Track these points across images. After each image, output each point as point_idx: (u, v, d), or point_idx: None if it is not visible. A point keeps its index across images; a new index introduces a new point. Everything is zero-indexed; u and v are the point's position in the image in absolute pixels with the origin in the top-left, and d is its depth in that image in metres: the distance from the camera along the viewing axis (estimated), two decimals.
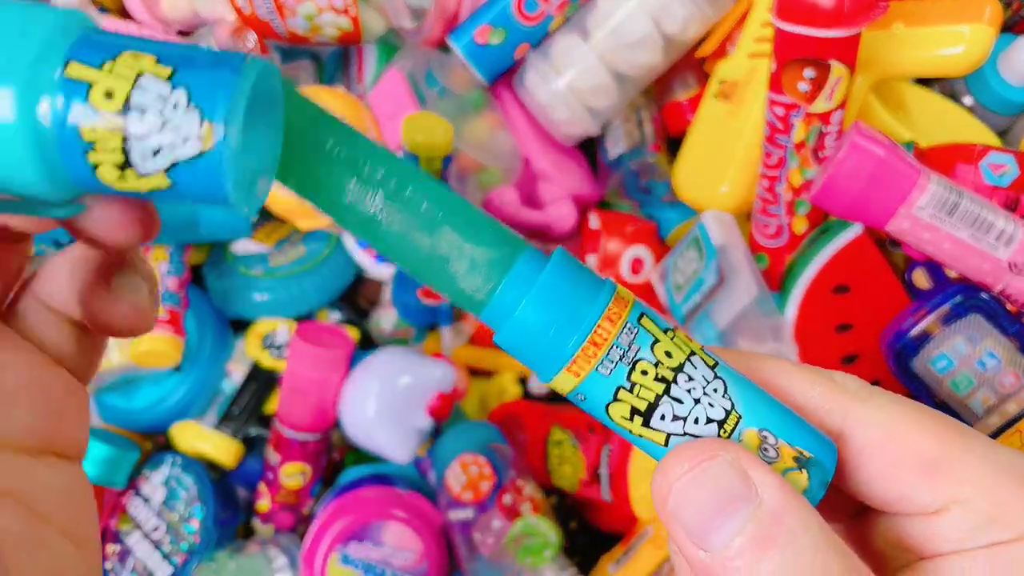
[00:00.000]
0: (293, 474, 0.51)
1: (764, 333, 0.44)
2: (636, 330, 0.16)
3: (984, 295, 0.43)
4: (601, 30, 0.51)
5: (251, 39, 0.52)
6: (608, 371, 0.16)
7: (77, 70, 0.14)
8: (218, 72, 0.14)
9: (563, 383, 0.17)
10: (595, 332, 0.16)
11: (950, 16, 0.46)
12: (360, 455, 0.58)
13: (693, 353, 0.17)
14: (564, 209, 0.53)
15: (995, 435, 0.43)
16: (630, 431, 0.17)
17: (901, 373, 0.44)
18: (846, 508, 0.20)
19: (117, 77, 0.14)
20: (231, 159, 0.14)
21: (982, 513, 0.17)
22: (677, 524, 0.16)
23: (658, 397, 0.16)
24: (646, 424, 0.17)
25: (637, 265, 0.54)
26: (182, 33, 0.56)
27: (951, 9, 0.46)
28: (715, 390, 0.17)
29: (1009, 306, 0.43)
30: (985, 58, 0.45)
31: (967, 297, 0.43)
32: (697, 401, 0.16)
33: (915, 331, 0.43)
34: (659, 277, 0.53)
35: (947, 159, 0.46)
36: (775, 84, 0.44)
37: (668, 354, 0.16)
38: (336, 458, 0.58)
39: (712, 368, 0.17)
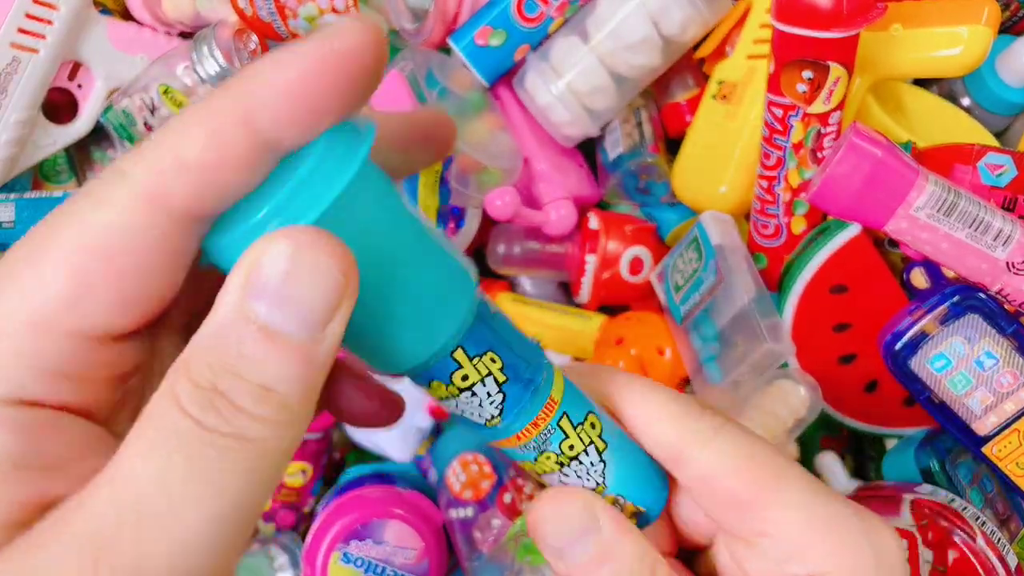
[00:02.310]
0: (294, 473, 0.52)
1: (762, 333, 0.44)
2: (552, 431, 0.22)
3: (982, 295, 0.43)
4: (600, 32, 0.51)
5: (252, 40, 0.52)
6: (523, 451, 0.22)
7: (460, 356, 0.20)
8: (535, 397, 0.21)
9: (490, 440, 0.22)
10: (520, 432, 0.21)
11: (948, 17, 0.46)
12: (361, 454, 0.58)
13: (591, 443, 0.22)
14: (563, 210, 0.53)
15: (994, 435, 0.43)
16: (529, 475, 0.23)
17: (899, 373, 0.44)
18: (682, 543, 0.25)
19: (475, 371, 0.20)
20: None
21: (782, 551, 0.21)
22: (544, 545, 0.22)
23: (553, 472, 0.22)
24: (539, 481, 0.23)
25: (636, 265, 0.54)
26: (183, 35, 0.56)
27: (949, 10, 0.46)
28: (596, 472, 0.22)
29: (1007, 306, 0.43)
30: (983, 59, 0.45)
31: (965, 297, 0.43)
32: (579, 476, 0.22)
33: (913, 331, 0.43)
34: (658, 277, 0.53)
35: (945, 160, 0.46)
36: (773, 85, 0.44)
37: (571, 447, 0.22)
38: (337, 457, 0.59)
39: (600, 453, 0.22)
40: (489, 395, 0.20)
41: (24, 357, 0.16)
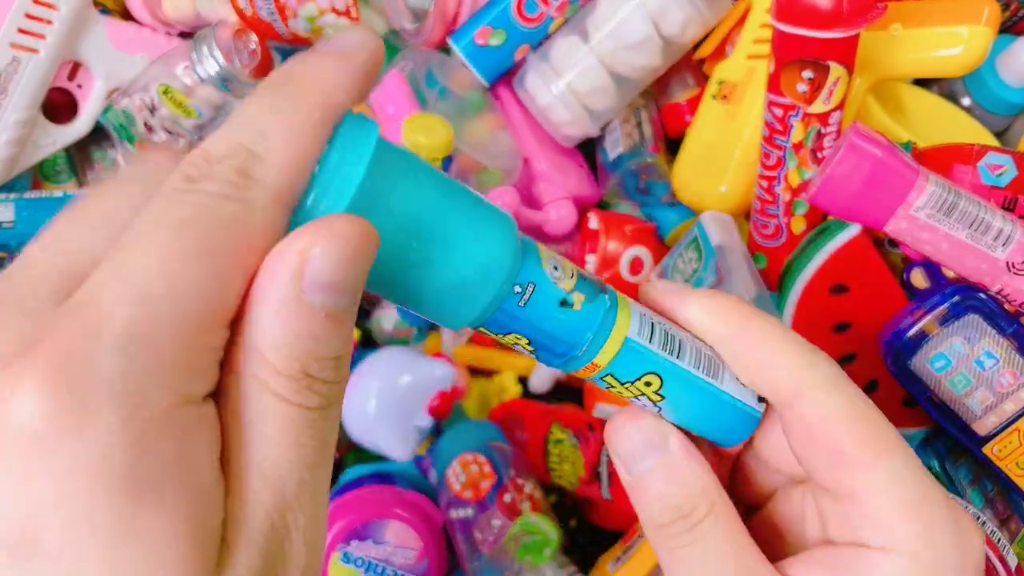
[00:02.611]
0: None
1: None
2: (598, 381, 0.23)
3: (982, 295, 0.43)
4: (601, 32, 0.51)
5: (252, 40, 0.52)
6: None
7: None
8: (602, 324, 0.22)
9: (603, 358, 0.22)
10: (580, 370, 0.23)
11: (948, 17, 0.46)
12: (361, 454, 0.58)
13: (642, 394, 0.23)
14: (564, 210, 0.53)
15: (994, 435, 0.43)
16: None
17: (899, 373, 0.44)
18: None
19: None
20: None
21: (865, 516, 0.21)
22: (614, 452, 0.24)
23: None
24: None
25: (636, 265, 0.54)
26: (183, 34, 0.56)
27: (949, 10, 0.46)
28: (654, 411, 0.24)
29: (1007, 306, 0.43)
30: (983, 59, 0.45)
31: (965, 297, 0.43)
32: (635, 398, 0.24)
33: (913, 331, 0.43)
34: (658, 277, 0.53)
35: (945, 160, 0.46)
36: (773, 85, 0.44)
37: (619, 394, 0.23)
38: (337, 456, 0.59)
39: (656, 404, 0.23)
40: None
41: (213, 352, 0.17)
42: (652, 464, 0.23)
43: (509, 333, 0.21)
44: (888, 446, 0.22)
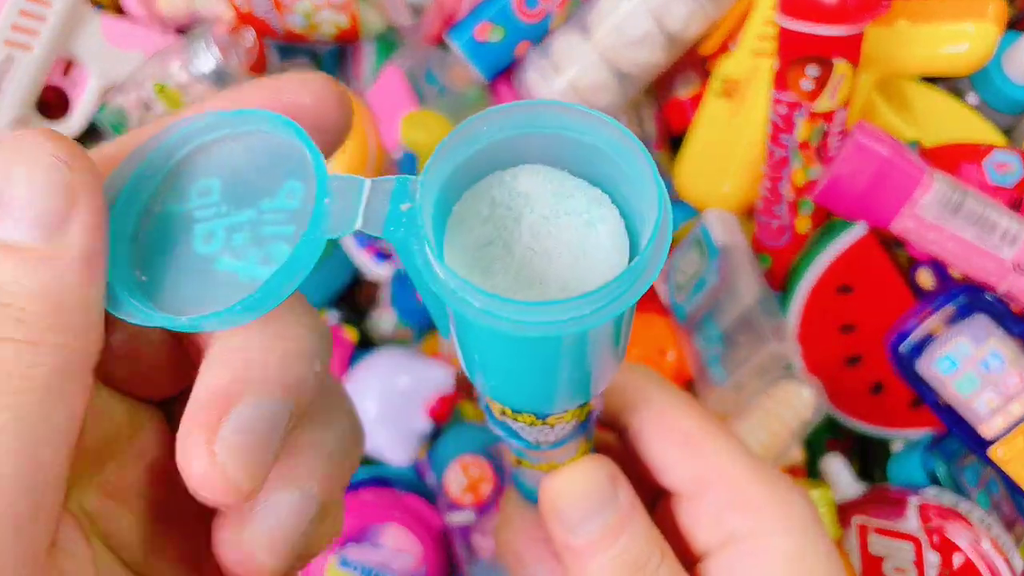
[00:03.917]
0: None
1: (766, 334, 0.44)
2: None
3: (988, 295, 0.43)
4: (602, 28, 0.50)
5: (248, 37, 0.52)
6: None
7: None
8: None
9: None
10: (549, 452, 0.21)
11: (954, 13, 0.45)
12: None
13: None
14: None
15: (999, 436, 0.43)
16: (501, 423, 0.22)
17: (905, 374, 0.44)
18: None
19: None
20: None
21: (725, 498, 0.21)
22: (558, 520, 0.21)
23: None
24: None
25: None
26: (179, 31, 0.56)
27: (955, 6, 0.46)
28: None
29: (1014, 306, 0.43)
30: (990, 56, 0.45)
31: (971, 298, 0.43)
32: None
33: (919, 332, 0.43)
34: (661, 277, 0.53)
35: (951, 158, 0.46)
36: (778, 82, 0.44)
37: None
38: None
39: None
40: (560, 430, 0.20)
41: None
42: (603, 522, 0.21)
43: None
44: (723, 431, 0.22)
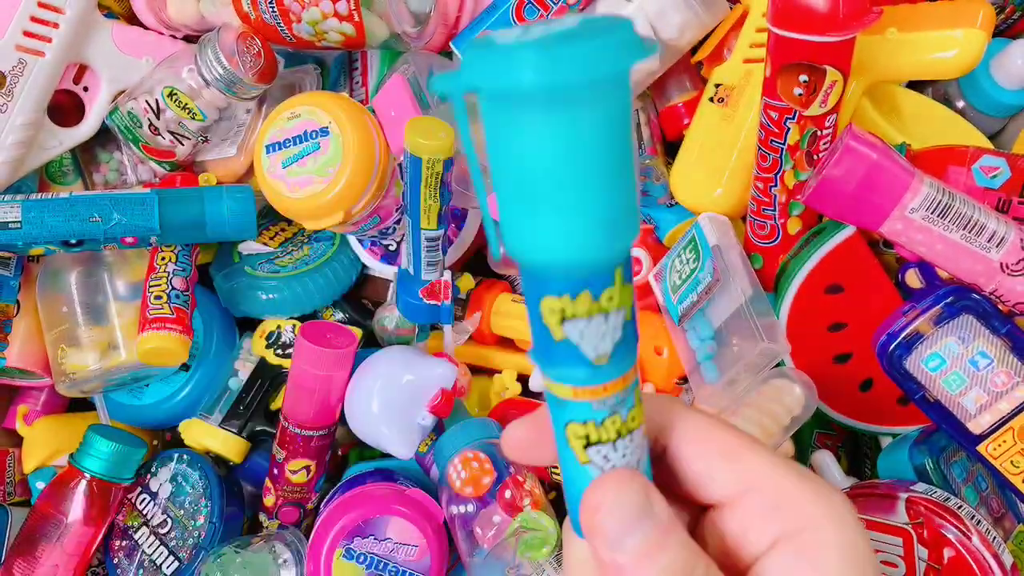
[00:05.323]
0: (298, 470, 0.52)
1: (758, 332, 0.45)
2: (630, 392, 0.21)
3: (976, 295, 0.43)
4: None
5: (256, 44, 0.52)
6: (597, 408, 0.21)
7: (618, 274, 0.19)
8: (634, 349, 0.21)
9: (561, 392, 0.21)
10: (612, 382, 0.21)
11: (943, 21, 0.46)
12: (363, 451, 0.59)
13: (642, 425, 0.22)
14: None
15: (989, 434, 0.43)
16: (568, 442, 0.22)
17: (894, 372, 0.44)
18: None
19: (620, 296, 0.19)
20: None
21: (769, 500, 0.22)
22: (600, 532, 0.21)
23: (608, 442, 0.21)
24: (586, 447, 0.22)
25: (635, 266, 0.54)
26: (188, 38, 0.57)
27: (944, 14, 0.46)
28: (635, 456, 0.22)
29: (1000, 306, 0.43)
30: (978, 62, 0.45)
31: (959, 297, 0.43)
32: (624, 456, 0.22)
33: (907, 331, 0.43)
34: (656, 277, 0.54)
35: (939, 162, 0.46)
36: (770, 89, 0.44)
37: (633, 418, 0.22)
38: (340, 454, 0.59)
39: (644, 438, 0.22)
40: (615, 328, 0.20)
41: None
42: (644, 536, 0.21)
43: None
44: (756, 442, 0.23)
